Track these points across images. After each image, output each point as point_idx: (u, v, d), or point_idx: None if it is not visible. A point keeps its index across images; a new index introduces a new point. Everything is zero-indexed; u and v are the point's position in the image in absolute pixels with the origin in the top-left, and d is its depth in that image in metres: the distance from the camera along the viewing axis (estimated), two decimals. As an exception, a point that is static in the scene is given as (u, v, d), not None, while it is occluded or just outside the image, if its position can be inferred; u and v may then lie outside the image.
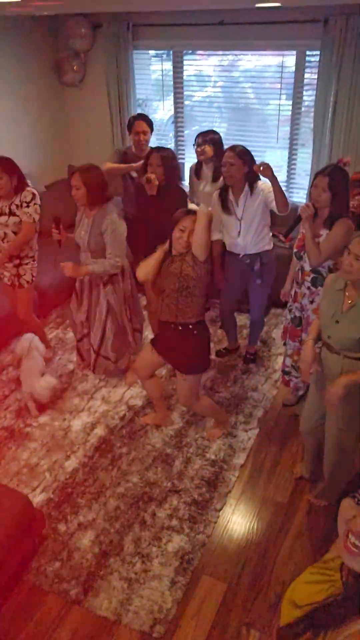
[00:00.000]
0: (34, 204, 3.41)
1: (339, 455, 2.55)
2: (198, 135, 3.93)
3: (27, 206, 3.38)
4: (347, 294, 2.29)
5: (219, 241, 3.66)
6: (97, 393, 3.71)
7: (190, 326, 2.84)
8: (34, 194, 3.41)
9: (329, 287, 2.42)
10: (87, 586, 2.46)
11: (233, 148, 3.32)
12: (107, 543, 2.66)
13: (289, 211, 3.26)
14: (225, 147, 3.50)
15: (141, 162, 3.71)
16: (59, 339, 4.32)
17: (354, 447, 2.58)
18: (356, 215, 3.76)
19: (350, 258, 2.18)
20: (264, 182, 3.33)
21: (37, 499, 2.90)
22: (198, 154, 3.91)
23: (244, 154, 3.29)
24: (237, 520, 2.79)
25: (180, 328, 2.84)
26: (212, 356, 4.01)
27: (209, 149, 3.85)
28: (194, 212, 2.71)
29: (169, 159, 3.53)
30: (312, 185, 2.88)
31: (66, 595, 2.43)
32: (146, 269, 2.84)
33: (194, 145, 3.97)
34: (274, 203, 3.29)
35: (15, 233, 3.43)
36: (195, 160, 4.10)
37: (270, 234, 3.59)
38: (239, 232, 3.48)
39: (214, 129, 4.07)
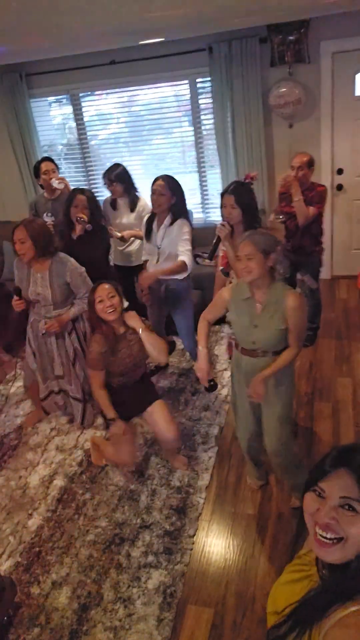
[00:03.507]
0: None
1: (282, 449, 2.61)
2: (104, 175, 4.00)
3: None
4: (256, 298, 2.38)
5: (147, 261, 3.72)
6: (50, 443, 3.60)
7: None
8: None
9: (234, 299, 2.47)
10: (72, 645, 2.35)
11: (165, 178, 3.38)
12: (85, 595, 2.56)
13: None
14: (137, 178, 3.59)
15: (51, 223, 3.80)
16: (2, 395, 4.18)
17: (291, 435, 2.66)
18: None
19: (244, 261, 2.27)
20: (182, 220, 3.43)
21: (4, 566, 2.75)
22: (112, 192, 4.01)
23: (174, 186, 3.37)
24: (212, 542, 2.76)
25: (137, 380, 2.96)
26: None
27: (119, 188, 3.94)
28: (103, 281, 2.76)
29: (93, 200, 3.61)
30: (221, 205, 2.98)
31: (51, 660, 2.31)
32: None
33: (104, 184, 4.05)
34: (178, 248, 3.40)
35: None
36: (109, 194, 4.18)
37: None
38: (157, 259, 3.55)
39: (124, 163, 4.14)
